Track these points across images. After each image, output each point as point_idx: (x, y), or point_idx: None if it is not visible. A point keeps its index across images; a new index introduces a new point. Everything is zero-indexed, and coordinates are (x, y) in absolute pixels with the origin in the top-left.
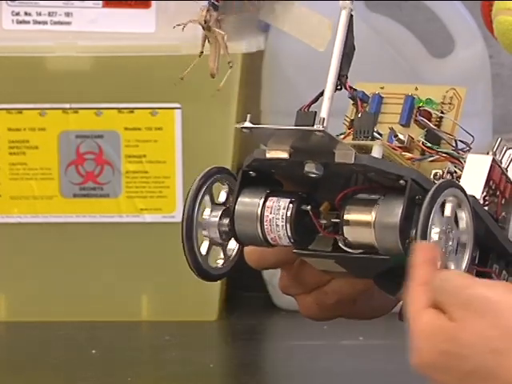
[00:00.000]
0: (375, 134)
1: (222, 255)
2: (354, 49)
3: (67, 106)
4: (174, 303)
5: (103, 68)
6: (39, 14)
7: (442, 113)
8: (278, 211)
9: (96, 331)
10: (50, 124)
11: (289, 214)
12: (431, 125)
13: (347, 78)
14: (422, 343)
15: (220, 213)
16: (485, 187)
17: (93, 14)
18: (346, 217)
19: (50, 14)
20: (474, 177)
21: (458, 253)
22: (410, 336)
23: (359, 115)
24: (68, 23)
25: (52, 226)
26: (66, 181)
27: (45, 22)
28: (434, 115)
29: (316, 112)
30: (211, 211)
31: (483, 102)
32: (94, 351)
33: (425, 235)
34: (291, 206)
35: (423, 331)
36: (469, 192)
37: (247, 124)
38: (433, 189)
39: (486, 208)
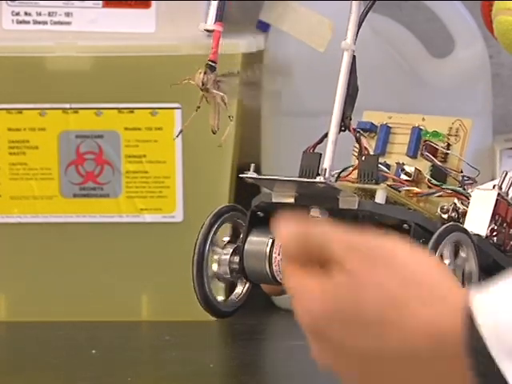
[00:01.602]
0: (382, 166)
1: (232, 292)
2: (357, 89)
3: (67, 106)
4: (174, 303)
5: (103, 68)
6: (39, 14)
7: (449, 145)
8: None
9: (96, 331)
10: (50, 124)
11: None
12: (437, 161)
13: (351, 119)
14: (312, 304)
15: (231, 251)
16: (491, 221)
17: (93, 13)
18: None
19: (49, 14)
20: (479, 213)
21: None
22: (293, 299)
23: (363, 158)
24: (68, 23)
25: (52, 225)
26: (65, 181)
27: (45, 22)
28: (440, 148)
29: (321, 154)
30: (222, 249)
31: (483, 102)
32: (93, 351)
33: None
34: None
35: (310, 287)
36: (474, 229)
37: (251, 174)
38: (435, 235)
39: (495, 239)
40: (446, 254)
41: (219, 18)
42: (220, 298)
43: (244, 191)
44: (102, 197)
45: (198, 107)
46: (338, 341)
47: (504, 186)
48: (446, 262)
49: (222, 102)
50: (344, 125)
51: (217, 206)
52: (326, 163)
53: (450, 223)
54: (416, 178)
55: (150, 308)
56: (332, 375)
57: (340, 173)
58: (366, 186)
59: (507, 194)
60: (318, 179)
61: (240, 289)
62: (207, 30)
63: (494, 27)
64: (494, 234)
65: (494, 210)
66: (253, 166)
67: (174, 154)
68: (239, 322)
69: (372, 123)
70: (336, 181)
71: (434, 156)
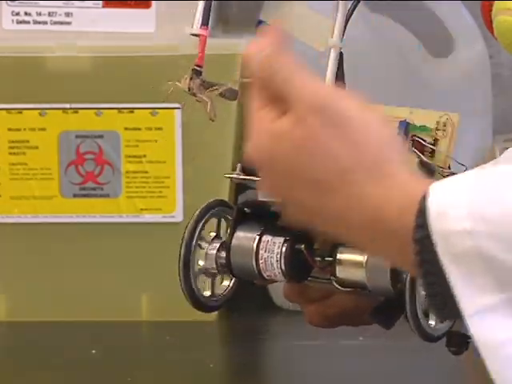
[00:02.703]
0: None
1: (219, 287)
2: (345, 86)
3: (67, 106)
4: (174, 303)
5: (103, 68)
6: (39, 14)
7: (436, 140)
8: (272, 250)
9: (96, 331)
10: (50, 124)
11: (283, 253)
12: (424, 157)
13: None
14: (261, 139)
15: (218, 246)
16: None
17: (93, 13)
18: (339, 256)
19: (50, 14)
20: None
21: None
22: (251, 128)
23: None
24: (68, 23)
25: (52, 225)
26: (65, 181)
27: (45, 22)
28: (427, 144)
29: None
30: (209, 243)
31: (483, 102)
32: (93, 351)
33: (414, 278)
34: (285, 245)
35: (264, 128)
36: None
37: (236, 175)
38: None
39: None
40: None
41: (205, 22)
42: (206, 292)
43: (244, 191)
44: (101, 197)
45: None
46: (278, 186)
47: None
48: None
49: (212, 106)
50: None
51: None
52: None
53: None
54: None
55: (150, 308)
56: (332, 375)
57: None
58: None
59: None
60: None
61: (226, 284)
62: (193, 35)
63: (494, 27)
64: None
65: None
66: (239, 165)
67: (174, 154)
68: (239, 322)
69: None
70: None
71: (421, 151)
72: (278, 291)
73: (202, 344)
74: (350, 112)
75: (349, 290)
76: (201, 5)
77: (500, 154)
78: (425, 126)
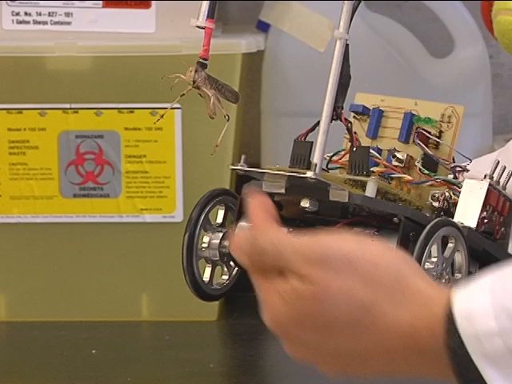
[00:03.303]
0: (374, 152)
1: (222, 276)
2: (350, 78)
3: (67, 106)
4: (174, 303)
5: (103, 68)
6: (39, 14)
7: (441, 132)
8: None
9: (96, 331)
10: (50, 124)
11: None
12: (428, 150)
13: (343, 108)
14: (275, 308)
15: (221, 234)
16: (482, 211)
17: (93, 14)
18: None
19: (50, 14)
20: (470, 204)
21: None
22: (262, 303)
23: (354, 149)
24: (68, 23)
25: (52, 225)
26: (65, 181)
27: (45, 22)
28: (432, 135)
29: (312, 143)
30: (213, 232)
31: (483, 102)
32: (94, 351)
33: None
34: None
35: (274, 296)
36: (464, 219)
37: (241, 165)
38: (426, 229)
39: (485, 227)
40: (434, 250)
41: (211, 14)
42: (207, 280)
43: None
44: (101, 197)
45: (183, 94)
46: (311, 344)
47: (496, 175)
48: (434, 259)
49: (216, 99)
50: (336, 114)
51: None
52: (317, 157)
53: (439, 219)
54: (408, 164)
55: (150, 308)
56: (332, 375)
57: (332, 156)
58: (357, 177)
59: (498, 183)
60: (307, 174)
61: (229, 273)
62: (199, 27)
63: (494, 27)
64: (486, 221)
65: (484, 201)
66: (243, 157)
67: (174, 154)
68: (239, 322)
69: (364, 106)
70: (328, 164)
71: (426, 143)
72: None
73: (202, 344)
74: (349, 252)
75: None
76: None
77: None
78: (429, 118)
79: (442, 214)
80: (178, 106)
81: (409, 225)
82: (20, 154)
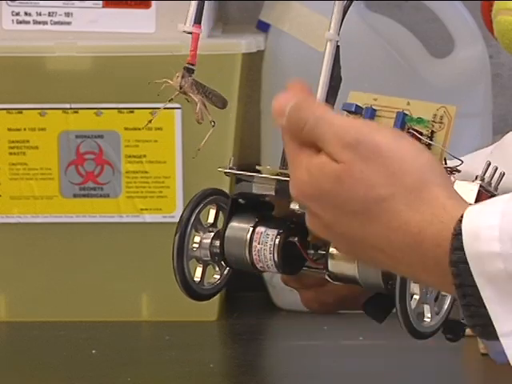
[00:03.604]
0: None
1: (214, 275)
2: (341, 80)
3: (67, 106)
4: (174, 303)
5: (103, 68)
6: (39, 14)
7: (433, 133)
8: (265, 243)
9: (96, 331)
10: (50, 124)
11: (276, 245)
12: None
13: (333, 109)
14: (301, 177)
15: (212, 234)
16: None
17: (93, 14)
18: (332, 251)
19: (50, 14)
20: None
21: (439, 298)
22: (290, 172)
23: None
24: (68, 23)
25: (52, 225)
26: (65, 181)
27: (45, 22)
28: (424, 136)
29: None
30: (204, 232)
31: (483, 102)
32: (94, 351)
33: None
34: (278, 237)
35: (303, 166)
36: None
37: (229, 168)
38: None
39: None
40: None
41: (198, 19)
42: (198, 280)
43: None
44: (101, 197)
45: (171, 99)
46: (325, 219)
47: (487, 177)
48: None
49: (203, 105)
50: None
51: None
52: None
53: None
54: None
55: (150, 308)
56: (332, 375)
57: None
58: None
59: (490, 184)
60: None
61: (220, 273)
62: (186, 32)
63: (494, 27)
64: None
65: (475, 203)
66: (232, 159)
67: (174, 154)
68: (239, 322)
69: (357, 105)
70: None
71: (418, 141)
72: (278, 292)
73: (202, 344)
74: (382, 143)
75: (340, 284)
76: (194, 2)
77: None
78: (421, 119)
79: None
80: (178, 105)
81: None
82: (20, 154)
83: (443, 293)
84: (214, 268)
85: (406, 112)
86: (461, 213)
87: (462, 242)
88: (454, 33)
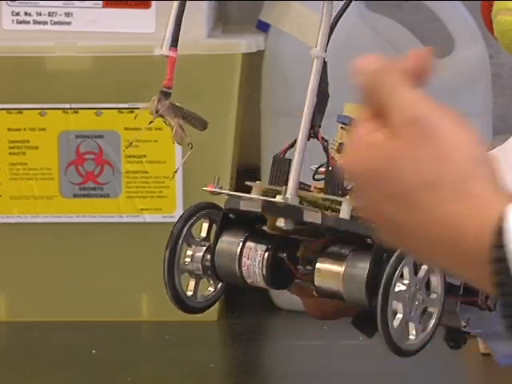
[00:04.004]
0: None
1: (206, 289)
2: (328, 97)
3: (67, 106)
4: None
5: (103, 68)
6: (39, 14)
7: None
8: (254, 258)
9: (96, 331)
10: (50, 124)
11: (265, 262)
12: None
13: (320, 127)
14: (356, 151)
15: (205, 248)
16: None
17: (93, 14)
18: (318, 266)
19: (50, 14)
20: None
21: (426, 312)
22: (351, 139)
23: (330, 168)
24: (68, 23)
25: (52, 225)
26: (66, 181)
27: (45, 22)
28: None
29: (291, 160)
30: (197, 245)
31: (483, 102)
32: (93, 351)
33: (387, 294)
34: (267, 254)
35: (361, 140)
36: None
37: (214, 189)
38: (396, 253)
39: None
40: (406, 272)
41: (174, 43)
42: (191, 293)
43: (244, 191)
44: (101, 197)
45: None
46: (370, 200)
47: None
48: (406, 281)
49: (180, 128)
50: (313, 132)
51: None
52: (291, 179)
53: None
54: None
55: (150, 308)
56: (332, 375)
57: (318, 168)
58: (332, 197)
59: None
60: (277, 199)
61: (214, 285)
62: (163, 56)
63: (494, 27)
64: None
65: None
66: (217, 178)
67: (174, 154)
68: (239, 322)
69: (350, 117)
70: (314, 175)
71: None
72: (278, 292)
73: (202, 344)
74: (443, 126)
75: (327, 299)
76: (170, 25)
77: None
78: None
79: None
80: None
81: (381, 245)
82: (20, 154)
83: (429, 309)
84: (209, 281)
85: None
86: (505, 209)
87: (504, 240)
88: (454, 33)
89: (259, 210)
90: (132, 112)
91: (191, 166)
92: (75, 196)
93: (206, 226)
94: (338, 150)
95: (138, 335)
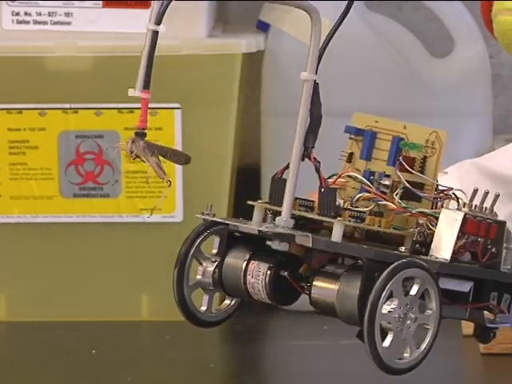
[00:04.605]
0: (360, 177)
1: (225, 301)
2: (321, 118)
3: (67, 105)
4: (174, 303)
5: (103, 68)
6: (39, 14)
7: (425, 158)
8: (257, 277)
9: (96, 331)
10: (50, 124)
11: (267, 280)
12: (406, 183)
13: (313, 148)
14: None
15: (215, 264)
16: (457, 243)
17: (93, 14)
18: (315, 283)
19: (50, 14)
20: (445, 235)
21: (422, 330)
22: None
23: (322, 190)
24: (68, 23)
25: (52, 225)
26: (66, 181)
27: (45, 22)
28: (417, 159)
29: (286, 180)
30: (208, 260)
31: (483, 102)
32: (93, 351)
33: (373, 316)
34: (269, 272)
35: None
36: (441, 251)
37: (208, 217)
38: (382, 276)
39: (463, 255)
40: (395, 291)
41: (147, 85)
42: (205, 308)
43: (244, 191)
44: (102, 197)
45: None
46: None
47: (474, 203)
48: (395, 301)
49: (157, 167)
50: (306, 154)
51: (217, 205)
52: (284, 206)
53: (399, 262)
54: (395, 189)
55: (150, 308)
56: (332, 375)
57: (328, 178)
58: (324, 219)
59: (483, 209)
60: (263, 228)
61: (229, 300)
62: (135, 97)
63: (494, 27)
64: (462, 250)
65: (461, 231)
66: (210, 205)
67: None
68: (239, 321)
69: (357, 128)
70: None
71: (411, 167)
72: None
73: (202, 344)
74: None
75: (324, 315)
76: (142, 64)
77: None
78: (415, 144)
79: (417, 246)
80: (177, 106)
81: (372, 266)
82: (20, 154)
83: (425, 326)
84: (223, 295)
85: (401, 136)
86: None
87: None
88: (454, 33)
89: (256, 233)
90: (132, 112)
91: (191, 166)
92: (75, 196)
93: (217, 241)
94: (349, 160)
95: (138, 335)
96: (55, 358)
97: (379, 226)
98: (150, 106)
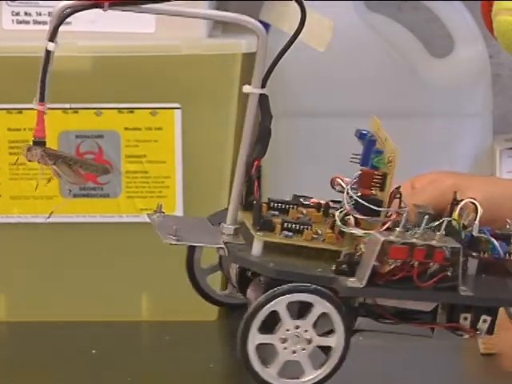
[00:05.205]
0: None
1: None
2: (270, 132)
3: (67, 106)
4: (174, 303)
5: (103, 68)
6: (39, 14)
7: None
8: (233, 275)
9: (96, 331)
10: (50, 124)
11: (236, 279)
12: (360, 199)
13: (260, 159)
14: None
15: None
16: (388, 265)
17: (93, 14)
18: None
19: (50, 14)
20: (365, 260)
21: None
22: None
23: (254, 203)
24: (68, 23)
25: (52, 225)
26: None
27: (45, 22)
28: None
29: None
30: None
31: (483, 102)
32: (94, 351)
33: (246, 332)
34: (236, 270)
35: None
36: (360, 276)
37: (174, 241)
38: (262, 297)
39: (387, 279)
40: (281, 313)
41: (42, 98)
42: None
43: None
44: (102, 197)
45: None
46: None
47: (402, 227)
48: (280, 323)
49: (57, 175)
50: (250, 168)
51: (217, 206)
52: (227, 218)
53: (284, 286)
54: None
55: (150, 308)
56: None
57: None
58: (252, 232)
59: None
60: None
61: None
62: (33, 109)
63: (494, 27)
64: (397, 277)
65: (378, 257)
66: (160, 204)
67: (174, 154)
68: (239, 321)
69: (361, 132)
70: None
71: (370, 185)
72: None
73: (202, 344)
74: None
75: None
76: (40, 78)
77: (500, 154)
78: (384, 162)
79: (344, 267)
80: (177, 105)
81: (270, 283)
82: (20, 154)
83: (331, 345)
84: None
85: (380, 151)
86: None
87: None
88: (454, 33)
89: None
90: (132, 112)
91: (191, 166)
92: (75, 196)
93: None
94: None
95: (138, 335)
96: (55, 358)
97: (309, 241)
98: (149, 106)
